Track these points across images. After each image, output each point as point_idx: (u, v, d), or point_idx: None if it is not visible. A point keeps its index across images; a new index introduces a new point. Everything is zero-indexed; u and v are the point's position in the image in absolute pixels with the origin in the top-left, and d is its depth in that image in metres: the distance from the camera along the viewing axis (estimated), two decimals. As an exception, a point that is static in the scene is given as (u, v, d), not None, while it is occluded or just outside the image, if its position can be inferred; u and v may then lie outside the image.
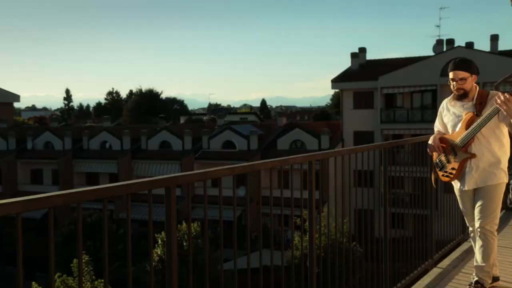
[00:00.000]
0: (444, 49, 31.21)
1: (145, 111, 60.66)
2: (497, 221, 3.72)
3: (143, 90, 66.25)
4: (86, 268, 13.40)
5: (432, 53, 32.21)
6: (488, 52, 29.38)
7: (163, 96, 69.16)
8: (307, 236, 3.30)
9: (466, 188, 3.67)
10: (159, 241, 16.68)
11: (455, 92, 3.67)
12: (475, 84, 3.68)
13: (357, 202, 3.78)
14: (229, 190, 2.64)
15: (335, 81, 33.08)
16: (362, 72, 32.81)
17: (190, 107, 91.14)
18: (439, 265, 4.50)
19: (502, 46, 31.05)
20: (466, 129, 3.57)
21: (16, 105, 58.96)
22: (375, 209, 3.87)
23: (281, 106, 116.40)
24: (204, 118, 62.98)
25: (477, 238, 3.74)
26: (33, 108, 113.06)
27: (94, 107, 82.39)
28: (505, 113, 3.28)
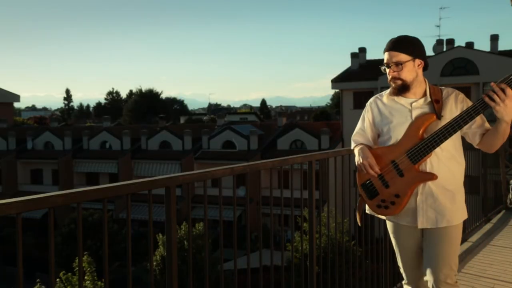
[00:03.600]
0: (444, 49, 31.23)
1: (145, 111, 60.69)
2: (457, 266, 2.61)
3: (143, 90, 66.29)
4: (88, 269, 13.41)
5: (432, 53, 32.21)
6: (488, 52, 29.37)
7: (163, 96, 69.25)
8: (307, 236, 3.31)
9: (419, 225, 2.52)
10: (160, 242, 16.69)
11: (390, 83, 2.53)
12: (423, 77, 2.56)
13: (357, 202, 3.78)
14: (229, 190, 2.65)
15: (335, 81, 33.10)
16: (362, 72, 32.83)
17: (190, 107, 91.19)
18: (439, 265, 4.48)
19: (502, 46, 31.19)
20: (420, 137, 2.43)
21: (16, 105, 59.00)
22: (375, 209, 3.86)
23: (281, 106, 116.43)
24: (204, 118, 63.01)
25: None
26: (33, 108, 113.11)
27: (94, 107, 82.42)
28: (495, 111, 2.20)
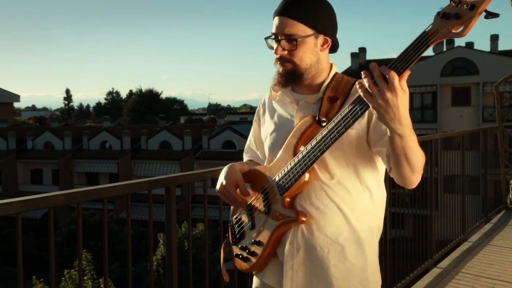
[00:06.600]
0: (444, 49, 31.24)
1: (145, 111, 60.71)
2: None
3: (143, 90, 66.29)
4: (87, 267, 13.60)
5: (432, 53, 32.24)
6: (488, 52, 29.38)
7: (163, 96, 69.23)
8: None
9: None
10: (161, 241, 16.76)
11: (276, 66, 1.66)
12: (328, 60, 1.67)
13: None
14: (229, 190, 2.64)
15: (335, 81, 33.07)
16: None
17: (190, 107, 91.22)
18: (439, 265, 4.50)
19: (502, 46, 31.20)
20: (296, 153, 1.58)
21: (16, 105, 59.08)
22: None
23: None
24: (204, 118, 63.03)
25: None
26: (33, 108, 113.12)
27: (94, 107, 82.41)
28: (374, 112, 1.33)
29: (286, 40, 1.58)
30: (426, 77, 28.05)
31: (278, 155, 1.66)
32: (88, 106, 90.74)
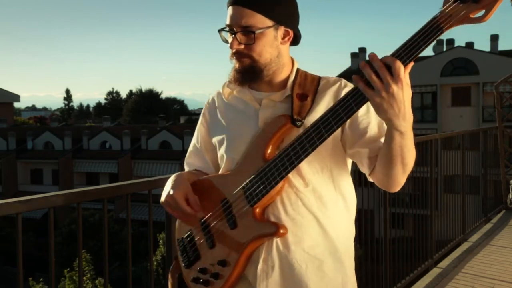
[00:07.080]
0: (444, 49, 31.25)
1: (145, 111, 60.75)
2: None
3: (143, 90, 66.33)
4: (87, 267, 13.66)
5: (432, 53, 32.27)
6: (488, 52, 29.39)
7: (163, 96, 69.27)
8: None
9: None
10: (161, 241, 16.77)
11: (232, 61, 1.49)
12: (289, 54, 1.52)
13: (357, 202, 3.78)
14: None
15: (335, 81, 33.08)
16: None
17: (190, 107, 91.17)
18: (439, 265, 4.50)
19: (502, 46, 31.24)
20: (267, 158, 1.40)
21: (16, 105, 59.11)
22: (375, 209, 3.87)
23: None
24: (204, 118, 62.95)
25: None
26: (33, 108, 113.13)
27: (94, 107, 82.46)
28: (375, 107, 1.22)
29: (242, 32, 1.41)
30: (426, 77, 28.05)
31: (240, 161, 1.47)
32: (88, 106, 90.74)
